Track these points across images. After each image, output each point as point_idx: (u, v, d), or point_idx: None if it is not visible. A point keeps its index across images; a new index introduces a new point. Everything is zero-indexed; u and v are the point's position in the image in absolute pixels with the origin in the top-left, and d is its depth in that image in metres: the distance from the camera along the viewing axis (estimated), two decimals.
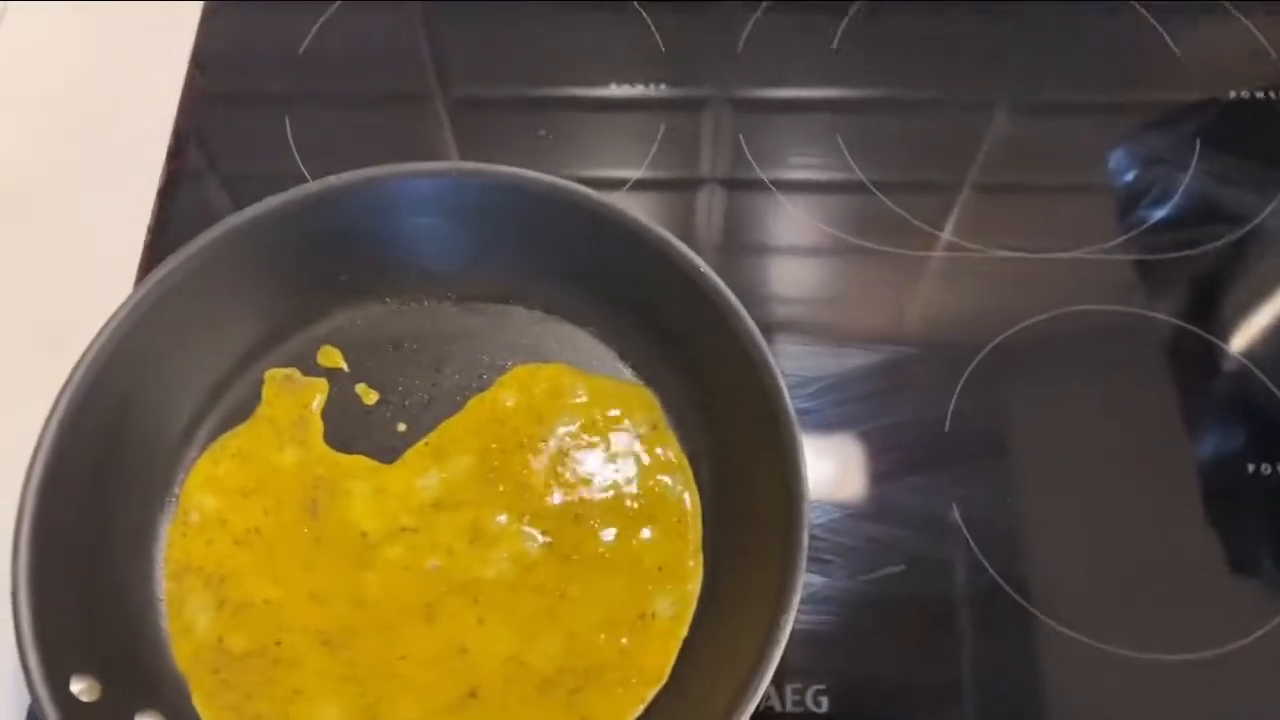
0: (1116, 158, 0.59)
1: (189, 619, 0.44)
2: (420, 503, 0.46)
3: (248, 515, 0.46)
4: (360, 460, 0.47)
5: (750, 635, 0.39)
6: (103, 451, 0.43)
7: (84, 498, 0.42)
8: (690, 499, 0.46)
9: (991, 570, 0.46)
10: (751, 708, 0.37)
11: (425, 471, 0.47)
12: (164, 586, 0.44)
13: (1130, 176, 0.58)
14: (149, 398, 0.46)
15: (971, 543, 0.47)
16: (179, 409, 0.47)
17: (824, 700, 0.44)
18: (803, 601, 0.39)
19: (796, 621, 0.38)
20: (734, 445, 0.45)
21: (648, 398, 0.48)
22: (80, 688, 0.38)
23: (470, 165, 0.48)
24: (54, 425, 0.42)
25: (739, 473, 0.45)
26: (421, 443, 0.47)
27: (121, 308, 0.44)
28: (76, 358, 0.43)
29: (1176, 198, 0.56)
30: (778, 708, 0.43)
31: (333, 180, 0.47)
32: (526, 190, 0.47)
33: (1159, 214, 0.56)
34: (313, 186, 0.47)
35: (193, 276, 0.46)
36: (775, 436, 0.41)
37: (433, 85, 0.61)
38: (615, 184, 0.57)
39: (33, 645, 0.37)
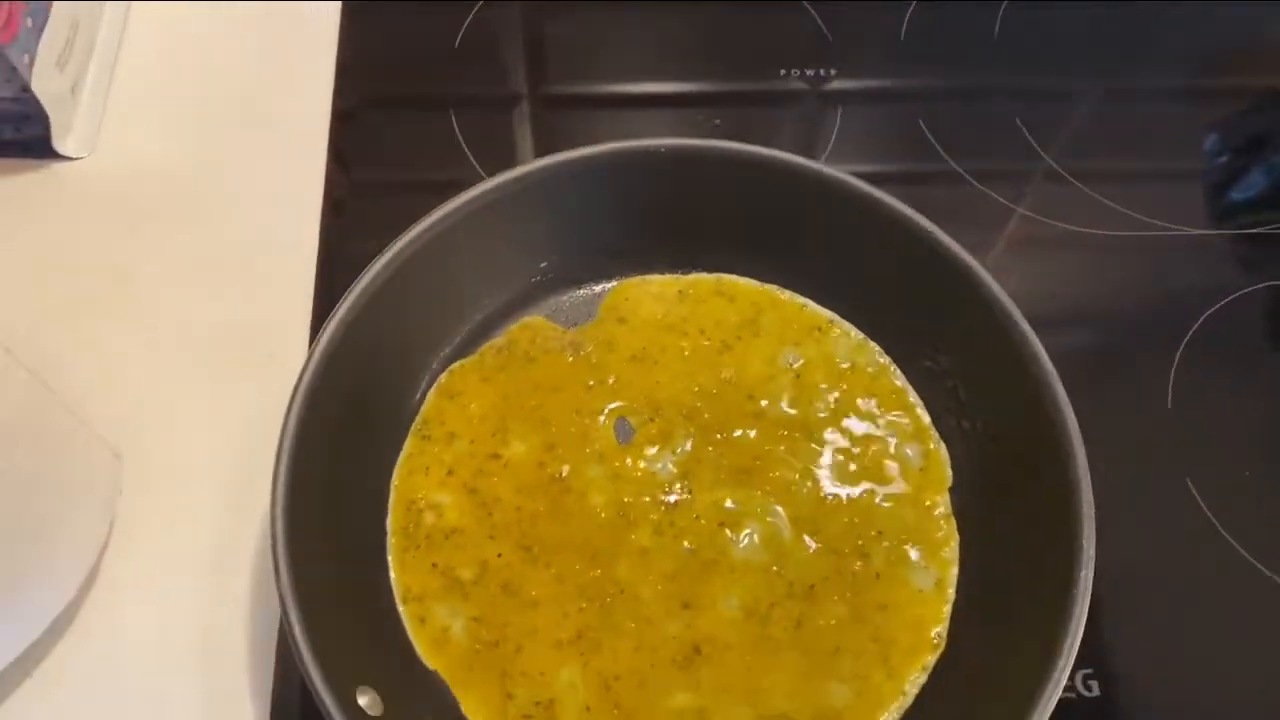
0: None
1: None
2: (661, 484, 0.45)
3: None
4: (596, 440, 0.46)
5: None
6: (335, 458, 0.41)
7: (323, 501, 0.40)
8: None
9: (1234, 542, 0.46)
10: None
11: (658, 455, 0.45)
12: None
13: None
14: (375, 389, 0.44)
15: (1212, 518, 0.46)
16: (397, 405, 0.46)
17: (1094, 684, 0.43)
18: None
19: None
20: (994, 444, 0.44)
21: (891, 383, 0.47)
22: (366, 701, 0.36)
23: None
24: (293, 422, 0.39)
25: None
26: (647, 423, 0.46)
27: (337, 308, 0.42)
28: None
29: None
30: None
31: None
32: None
33: None
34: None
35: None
36: (1050, 437, 0.40)
37: (599, 81, 0.60)
38: None
39: (313, 662, 0.35)
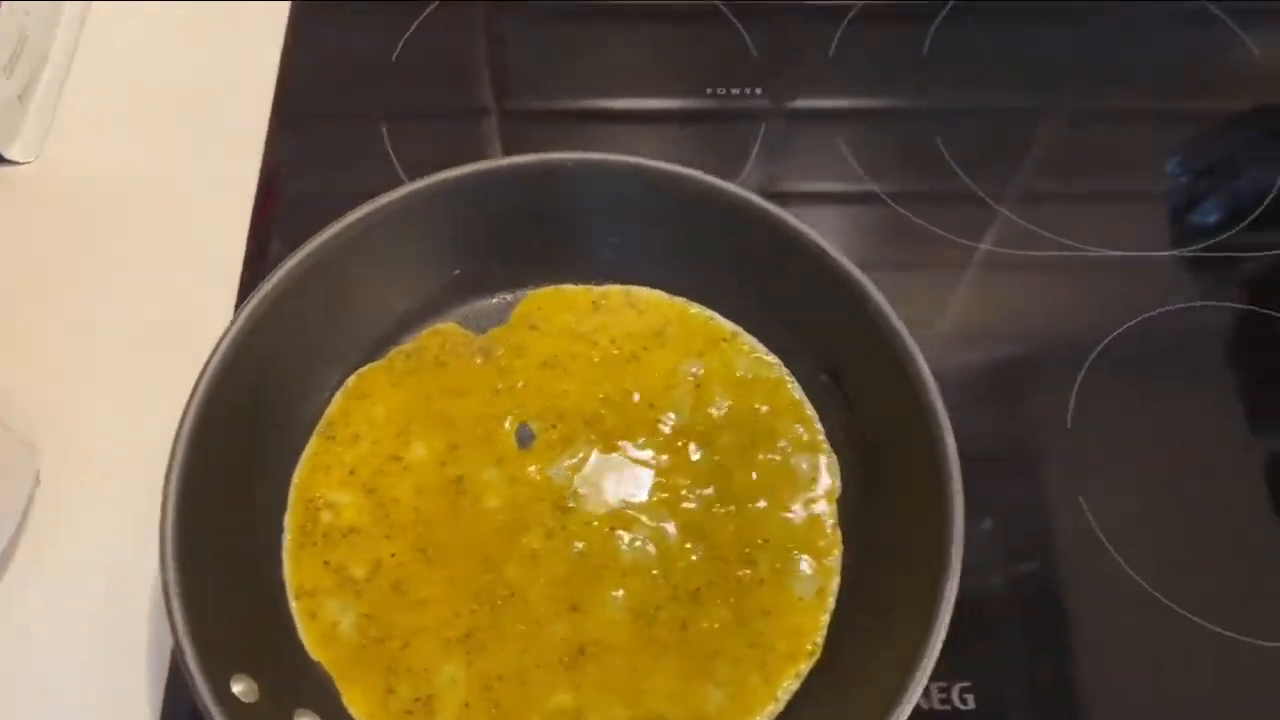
0: None
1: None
2: (557, 489, 0.46)
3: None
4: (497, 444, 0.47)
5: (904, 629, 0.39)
6: (236, 449, 0.43)
7: (220, 497, 0.42)
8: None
9: (1120, 560, 0.46)
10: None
11: (556, 460, 0.46)
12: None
13: None
14: (278, 394, 0.46)
15: (1100, 533, 0.47)
16: (303, 407, 0.47)
17: (970, 698, 0.43)
18: None
19: None
20: (876, 438, 0.45)
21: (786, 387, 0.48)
22: (241, 688, 0.37)
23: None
24: (188, 426, 0.41)
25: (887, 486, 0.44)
26: (549, 429, 0.47)
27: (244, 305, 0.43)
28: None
29: None
30: (924, 706, 0.43)
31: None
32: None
33: None
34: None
35: (319, 269, 0.45)
36: (928, 445, 0.41)
37: (527, 95, 0.62)
38: None
39: (188, 646, 0.37)
